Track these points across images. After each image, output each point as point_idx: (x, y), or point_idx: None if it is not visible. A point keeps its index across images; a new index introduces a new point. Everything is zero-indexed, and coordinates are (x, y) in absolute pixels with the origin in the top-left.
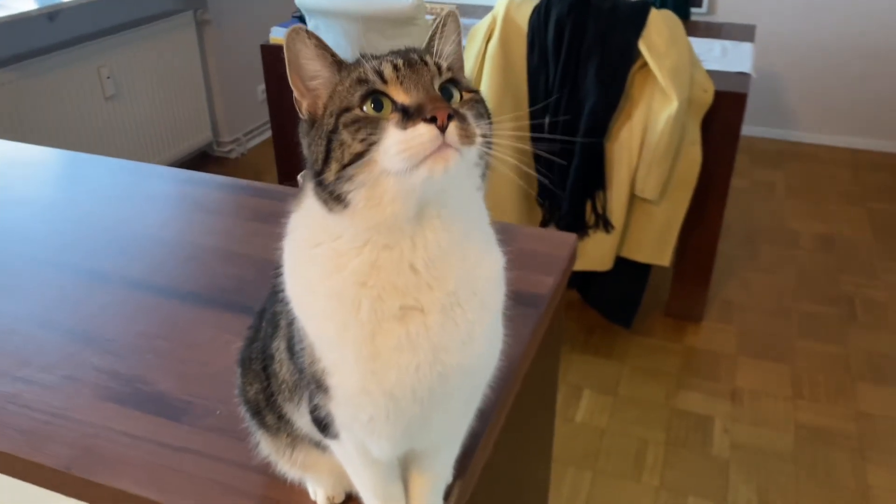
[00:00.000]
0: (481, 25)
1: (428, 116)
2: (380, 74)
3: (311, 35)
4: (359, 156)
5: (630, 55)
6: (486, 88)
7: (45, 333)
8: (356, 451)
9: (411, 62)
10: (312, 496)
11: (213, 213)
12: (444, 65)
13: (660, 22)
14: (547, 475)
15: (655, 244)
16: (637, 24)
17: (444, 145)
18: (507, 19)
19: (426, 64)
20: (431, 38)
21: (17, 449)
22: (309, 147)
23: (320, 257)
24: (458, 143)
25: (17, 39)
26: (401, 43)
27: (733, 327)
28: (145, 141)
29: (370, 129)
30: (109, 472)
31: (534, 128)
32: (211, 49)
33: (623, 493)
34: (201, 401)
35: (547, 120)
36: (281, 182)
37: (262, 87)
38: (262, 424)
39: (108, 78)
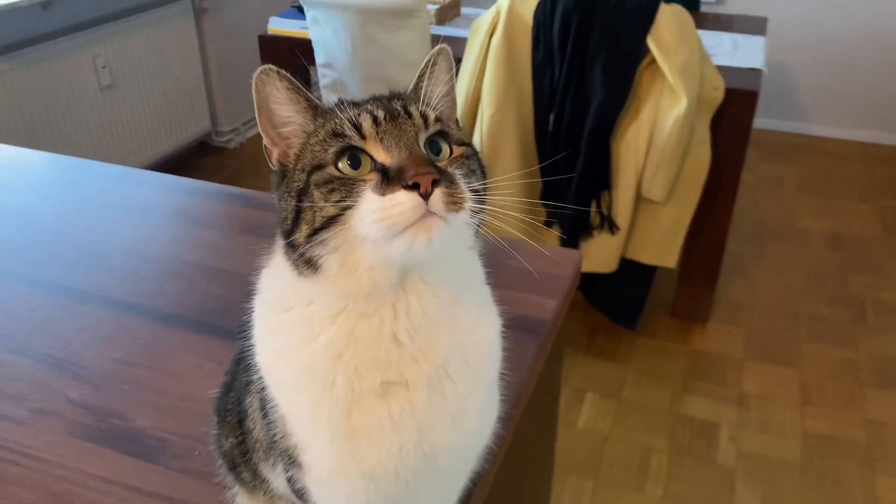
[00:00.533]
0: (485, 18)
1: (409, 183)
2: (357, 129)
3: (282, 76)
4: (332, 220)
5: (638, 52)
6: (489, 83)
7: (17, 360)
8: None
9: (393, 114)
10: None
11: (201, 226)
12: (432, 115)
13: (669, 17)
14: (548, 488)
15: (661, 246)
16: (645, 19)
17: (428, 213)
18: (512, 13)
19: (410, 116)
20: (420, 78)
21: None
22: (278, 202)
23: (291, 324)
24: (444, 210)
25: (10, 29)
26: (404, 36)
27: (740, 329)
28: (143, 131)
29: (345, 191)
30: None
31: (538, 125)
32: (209, 38)
33: None
34: (179, 439)
35: (552, 118)
36: None
37: None
38: (239, 479)
39: (104, 67)
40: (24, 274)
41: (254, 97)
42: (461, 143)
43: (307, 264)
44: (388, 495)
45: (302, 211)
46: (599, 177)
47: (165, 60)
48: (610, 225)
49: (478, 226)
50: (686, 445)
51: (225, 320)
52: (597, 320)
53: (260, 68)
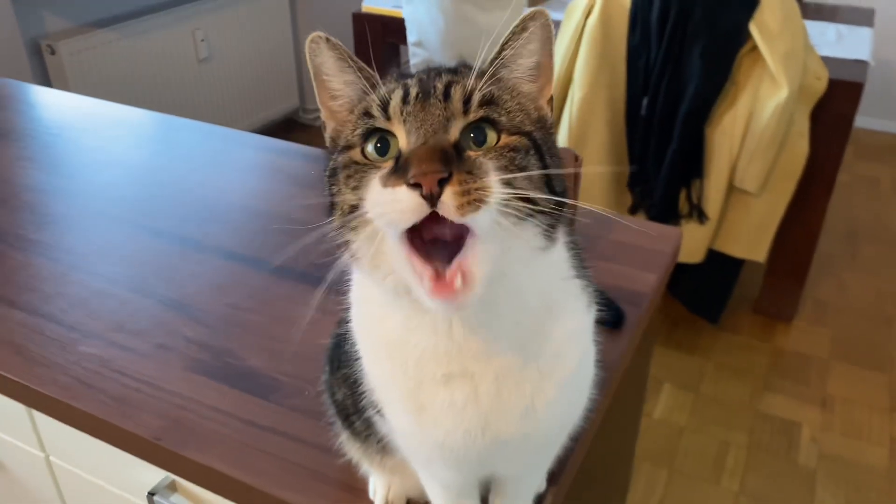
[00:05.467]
0: (580, 0)
1: (410, 181)
2: (384, 108)
3: (332, 45)
4: (353, 206)
5: (740, 37)
6: (581, 64)
7: (138, 298)
8: (427, 472)
9: (427, 93)
10: (372, 495)
11: (305, 187)
12: (478, 99)
13: (774, 3)
14: (629, 473)
15: (751, 238)
16: (749, 4)
17: (447, 286)
18: None
19: (448, 98)
20: (503, 47)
21: (110, 415)
22: (323, 181)
23: (373, 298)
24: (457, 214)
25: (120, 1)
26: (497, 16)
27: (827, 330)
28: (233, 105)
29: (359, 177)
30: (197, 446)
31: (630, 109)
32: (302, 15)
33: (700, 496)
34: (289, 379)
35: (645, 102)
36: None
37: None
38: (351, 429)
39: (202, 41)
40: (143, 223)
41: (308, 66)
42: (516, 132)
43: (346, 251)
44: (464, 464)
45: (333, 195)
46: (691, 164)
47: (259, 36)
48: (699, 214)
49: (548, 227)
50: (765, 442)
51: (327, 274)
52: (678, 312)
53: (310, 36)
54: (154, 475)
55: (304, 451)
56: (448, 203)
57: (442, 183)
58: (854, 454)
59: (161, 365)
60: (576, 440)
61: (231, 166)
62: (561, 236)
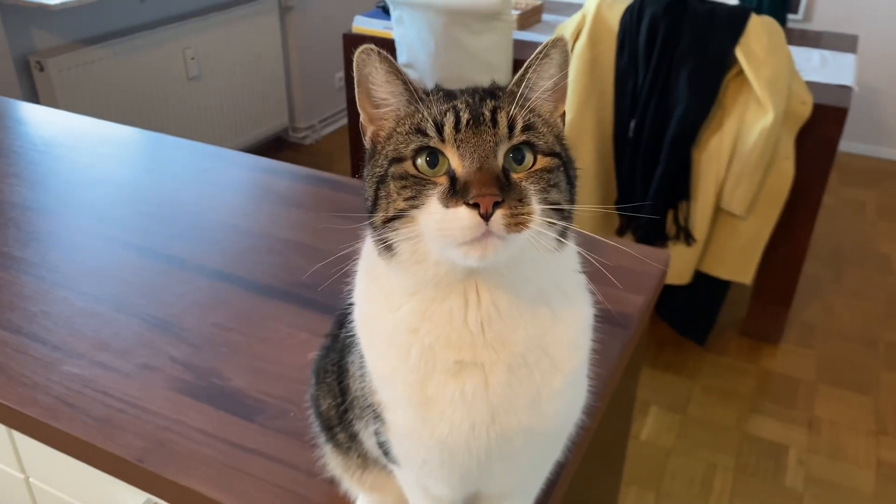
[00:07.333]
0: (569, 23)
1: (471, 202)
2: (439, 130)
3: (383, 58)
4: (402, 212)
5: (726, 62)
6: (570, 87)
7: (123, 317)
8: (416, 484)
9: (478, 120)
10: None
11: (294, 206)
12: (520, 124)
13: (760, 29)
14: (616, 496)
15: (738, 260)
16: (735, 29)
17: (487, 232)
18: (598, 18)
19: (495, 124)
20: (526, 69)
21: (91, 436)
22: (364, 180)
23: (380, 292)
24: (504, 231)
25: (110, 18)
26: (486, 39)
27: (813, 352)
28: (223, 123)
29: (416, 189)
30: (180, 468)
31: (617, 131)
32: (292, 35)
33: None
34: (274, 401)
35: (633, 124)
36: (354, 171)
37: (341, 74)
38: (333, 440)
39: (193, 59)
40: (129, 241)
41: (354, 74)
42: (549, 153)
43: (384, 247)
44: (462, 467)
45: (379, 198)
46: (678, 186)
47: (249, 56)
48: (686, 236)
49: (563, 231)
50: (752, 465)
51: (317, 294)
52: (665, 334)
53: (361, 47)
54: (135, 497)
55: (289, 473)
56: (499, 222)
57: (496, 205)
58: (841, 477)
59: (145, 385)
60: (563, 465)
61: (219, 185)
62: (571, 238)
